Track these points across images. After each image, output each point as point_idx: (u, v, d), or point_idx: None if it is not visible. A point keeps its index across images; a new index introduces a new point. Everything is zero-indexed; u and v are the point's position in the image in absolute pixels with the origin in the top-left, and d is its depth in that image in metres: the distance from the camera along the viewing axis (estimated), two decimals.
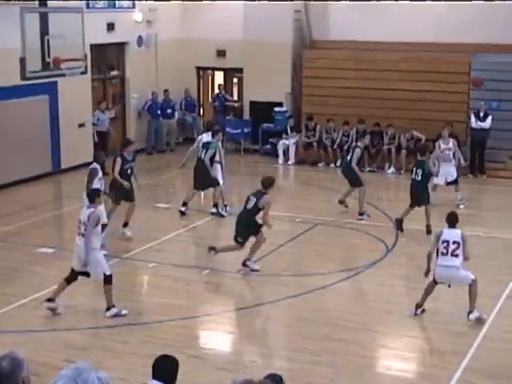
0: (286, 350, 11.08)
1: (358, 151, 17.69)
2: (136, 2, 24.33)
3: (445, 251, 11.61)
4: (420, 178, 16.42)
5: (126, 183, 15.42)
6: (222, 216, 17.35)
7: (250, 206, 13.79)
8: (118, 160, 15.54)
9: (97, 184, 14.31)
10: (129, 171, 15.67)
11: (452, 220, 11.98)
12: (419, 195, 16.43)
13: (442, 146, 18.96)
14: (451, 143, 19.05)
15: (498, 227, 16.92)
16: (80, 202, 17.91)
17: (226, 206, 17.77)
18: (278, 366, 10.04)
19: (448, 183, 18.64)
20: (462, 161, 19.36)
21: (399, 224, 16.45)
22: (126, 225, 15.90)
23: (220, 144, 18.05)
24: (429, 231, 15.99)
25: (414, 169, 16.59)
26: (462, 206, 18.13)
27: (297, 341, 11.18)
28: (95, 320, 11.94)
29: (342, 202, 17.93)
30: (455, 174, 18.63)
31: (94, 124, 22.50)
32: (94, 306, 12.51)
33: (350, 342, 11.04)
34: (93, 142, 22.32)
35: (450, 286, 11.81)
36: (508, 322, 11.65)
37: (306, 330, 11.55)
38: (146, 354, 10.01)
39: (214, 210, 17.61)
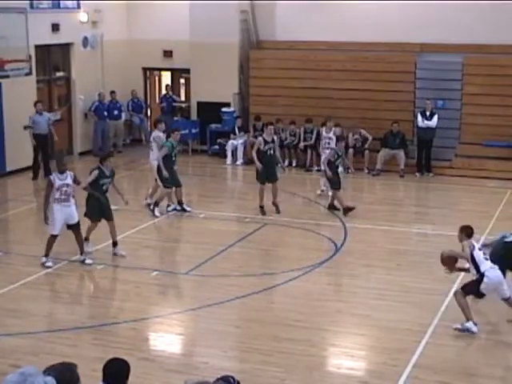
0: (237, 351, 11.07)
1: (328, 152, 18.23)
2: (81, 3, 24.10)
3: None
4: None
5: (102, 198, 14.40)
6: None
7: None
8: (95, 172, 14.42)
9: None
10: (104, 187, 14.52)
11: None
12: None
13: (324, 135, 19.88)
14: (332, 133, 19.80)
15: (445, 224, 17.09)
16: (25, 204, 17.77)
17: (168, 205, 17.73)
18: (229, 366, 10.02)
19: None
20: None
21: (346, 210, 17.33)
22: (115, 244, 14.89)
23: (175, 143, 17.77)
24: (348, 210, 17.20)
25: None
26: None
27: (247, 341, 11.18)
28: (43, 324, 11.80)
29: (330, 206, 17.99)
30: None
31: (29, 127, 21.19)
32: (41, 311, 12.38)
33: (300, 341, 11.06)
34: (32, 145, 21.17)
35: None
36: (455, 319, 11.76)
37: (256, 330, 11.55)
38: (95, 357, 9.93)
39: (174, 208, 17.83)
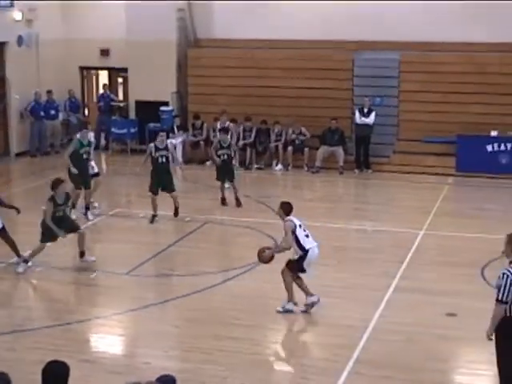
0: (178, 351, 11.01)
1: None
2: (14, 2, 23.75)
3: None
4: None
5: (61, 233, 13.89)
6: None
7: None
8: (49, 205, 13.82)
9: None
10: (58, 214, 13.93)
11: None
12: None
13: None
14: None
15: (384, 221, 17.27)
16: None
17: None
18: (170, 366, 9.96)
19: None
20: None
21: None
22: (82, 254, 14.35)
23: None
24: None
25: None
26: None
27: (188, 341, 11.13)
28: None
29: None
30: None
31: None
32: None
33: (242, 339, 11.05)
34: None
35: None
36: (395, 314, 11.88)
37: (197, 329, 11.51)
38: (34, 360, 9.78)
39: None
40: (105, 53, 25.90)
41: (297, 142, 22.58)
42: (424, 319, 11.72)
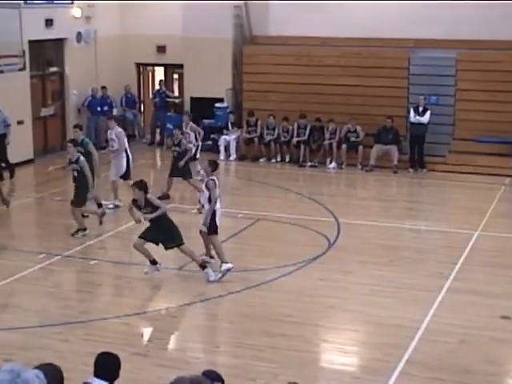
0: (229, 346, 11.06)
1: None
2: None
3: None
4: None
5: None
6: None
7: None
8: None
9: None
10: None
11: None
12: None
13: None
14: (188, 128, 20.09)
15: (437, 221, 17.13)
16: (19, 199, 17.73)
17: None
18: (220, 362, 10.02)
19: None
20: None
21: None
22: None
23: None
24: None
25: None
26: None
27: (239, 336, 11.17)
28: (35, 319, 11.78)
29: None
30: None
31: None
32: (33, 305, 12.36)
33: (293, 336, 11.06)
34: None
35: None
36: (448, 315, 11.78)
37: (249, 325, 11.55)
38: (87, 352, 9.90)
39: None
40: (161, 49, 26.07)
41: (350, 140, 22.47)
42: (477, 321, 11.60)
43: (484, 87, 21.94)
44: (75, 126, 17.75)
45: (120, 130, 18.20)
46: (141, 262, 14.02)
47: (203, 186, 13.90)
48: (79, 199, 15.86)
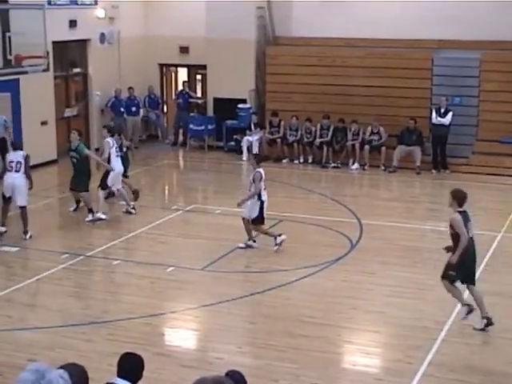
0: (252, 347, 11.08)
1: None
2: None
3: None
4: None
5: None
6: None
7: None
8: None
9: None
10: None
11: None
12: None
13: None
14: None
15: None
16: (42, 199, 17.85)
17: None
18: (243, 362, 10.03)
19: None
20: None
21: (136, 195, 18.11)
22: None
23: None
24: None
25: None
26: None
27: (262, 337, 11.18)
28: (58, 319, 11.86)
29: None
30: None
31: None
32: (57, 305, 12.43)
33: (315, 337, 11.06)
34: None
35: None
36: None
37: (271, 326, 11.56)
38: (110, 352, 9.97)
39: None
40: (184, 50, 26.13)
41: (373, 142, 22.42)
42: (501, 323, 11.53)
43: (508, 88, 21.81)
44: (75, 130, 17.73)
45: (107, 139, 17.33)
46: (163, 263, 14.09)
47: (250, 178, 14.96)
48: (80, 185, 16.86)
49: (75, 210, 17.61)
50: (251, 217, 14.83)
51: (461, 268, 11.13)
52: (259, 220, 14.84)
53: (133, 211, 17.39)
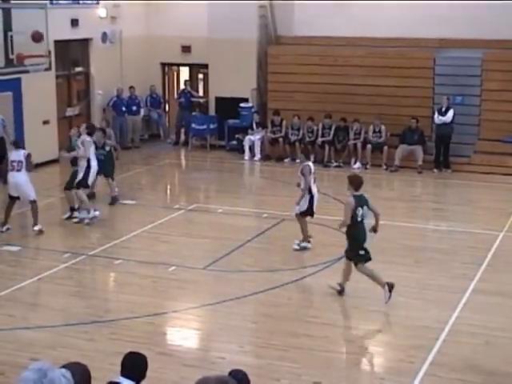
0: (254, 346, 11.08)
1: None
2: None
3: None
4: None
5: None
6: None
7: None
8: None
9: None
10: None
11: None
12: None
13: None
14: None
15: (462, 222, 17.05)
16: (45, 199, 17.85)
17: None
18: (245, 362, 10.03)
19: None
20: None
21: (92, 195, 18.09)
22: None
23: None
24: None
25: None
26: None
27: (264, 337, 11.19)
28: (60, 318, 11.86)
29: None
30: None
31: None
32: (59, 304, 12.44)
33: (317, 337, 11.06)
34: None
35: None
36: (473, 317, 11.74)
37: (273, 325, 11.56)
38: (112, 351, 9.99)
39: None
40: (186, 49, 26.14)
41: (373, 141, 22.40)
42: (503, 322, 11.54)
43: (510, 87, 21.80)
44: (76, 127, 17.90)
45: (88, 139, 16.98)
46: (165, 262, 14.10)
47: (299, 172, 14.91)
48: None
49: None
50: (301, 210, 14.74)
51: (359, 247, 12.37)
52: (307, 213, 14.80)
53: (76, 220, 16.90)
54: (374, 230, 12.68)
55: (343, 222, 12.42)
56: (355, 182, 12.41)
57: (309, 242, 14.93)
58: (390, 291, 12.10)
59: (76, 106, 24.13)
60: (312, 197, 14.77)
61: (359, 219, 12.25)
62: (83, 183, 16.84)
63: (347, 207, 12.30)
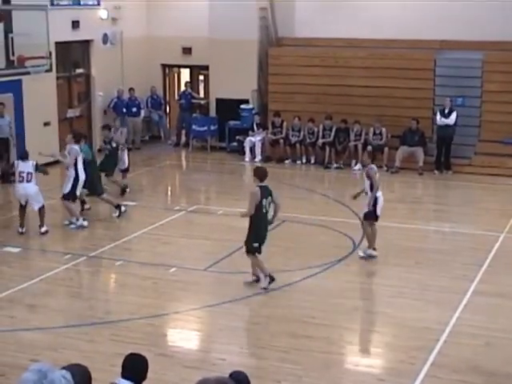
0: (254, 348, 11.07)
1: None
2: (101, 0, 24.22)
3: None
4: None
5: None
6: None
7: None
8: None
9: None
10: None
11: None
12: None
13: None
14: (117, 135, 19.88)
15: (463, 223, 17.06)
16: (45, 200, 17.84)
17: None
18: (246, 363, 10.03)
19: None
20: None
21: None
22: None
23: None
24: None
25: None
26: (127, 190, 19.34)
27: (265, 338, 11.18)
28: (61, 319, 11.86)
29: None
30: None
31: None
32: (59, 306, 12.45)
33: (318, 338, 11.06)
34: None
35: None
36: (473, 318, 11.74)
37: (274, 327, 11.56)
38: (113, 352, 10.00)
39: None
40: (187, 51, 26.15)
41: (373, 143, 22.37)
42: (504, 324, 11.55)
43: (510, 88, 21.80)
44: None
45: (76, 147, 16.57)
46: (166, 263, 14.10)
47: (364, 175, 14.77)
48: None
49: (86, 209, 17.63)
50: (363, 212, 14.57)
51: (257, 239, 12.82)
52: (372, 216, 14.46)
53: (72, 226, 16.61)
54: (270, 222, 13.12)
55: (247, 211, 12.73)
56: (260, 174, 12.89)
57: (374, 249, 14.47)
58: (270, 283, 12.83)
59: (77, 107, 24.14)
60: (376, 199, 14.46)
61: (264, 210, 12.69)
62: (71, 195, 16.42)
63: (252, 197, 12.63)
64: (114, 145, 18.42)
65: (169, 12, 25.87)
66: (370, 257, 14.40)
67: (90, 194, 17.49)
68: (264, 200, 12.63)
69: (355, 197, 15.05)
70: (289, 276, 13.58)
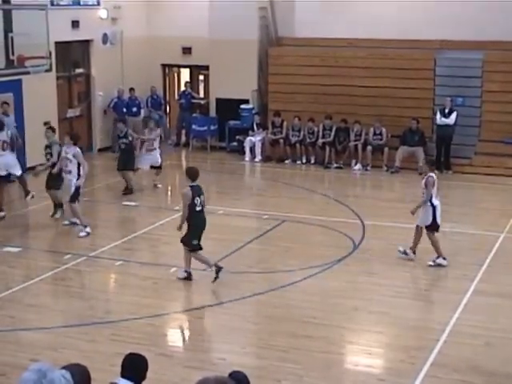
0: (255, 347, 11.07)
1: None
2: (101, 0, 24.22)
3: None
4: None
5: None
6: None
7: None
8: None
9: None
10: None
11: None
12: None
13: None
14: (153, 134, 20.37)
15: (463, 223, 17.05)
16: (44, 200, 17.84)
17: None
18: (246, 363, 10.03)
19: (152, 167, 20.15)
20: None
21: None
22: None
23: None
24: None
25: None
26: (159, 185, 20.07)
27: (264, 338, 11.18)
28: (61, 319, 11.87)
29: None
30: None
31: None
32: (59, 305, 12.45)
33: (318, 338, 11.06)
34: None
35: None
36: (473, 318, 11.74)
37: (274, 326, 11.56)
38: (113, 352, 9.99)
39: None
40: (187, 51, 26.14)
41: (373, 143, 22.38)
42: (504, 323, 11.55)
43: (511, 88, 21.79)
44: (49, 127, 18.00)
45: (78, 149, 16.12)
46: (166, 263, 14.10)
47: (422, 183, 14.50)
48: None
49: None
50: (425, 224, 14.34)
51: (195, 237, 13.13)
52: (434, 227, 14.26)
53: (82, 233, 16.16)
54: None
55: (182, 214, 13.14)
56: (191, 174, 13.32)
57: (444, 258, 14.16)
58: (217, 273, 13.08)
59: (77, 107, 24.13)
60: (435, 208, 14.32)
61: (198, 208, 13.03)
62: (77, 196, 16.09)
63: (183, 198, 13.08)
64: (131, 138, 18.58)
65: (169, 12, 25.86)
66: (440, 265, 14.02)
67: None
68: (197, 198, 13.01)
69: (413, 212, 14.58)
70: (288, 276, 13.57)
